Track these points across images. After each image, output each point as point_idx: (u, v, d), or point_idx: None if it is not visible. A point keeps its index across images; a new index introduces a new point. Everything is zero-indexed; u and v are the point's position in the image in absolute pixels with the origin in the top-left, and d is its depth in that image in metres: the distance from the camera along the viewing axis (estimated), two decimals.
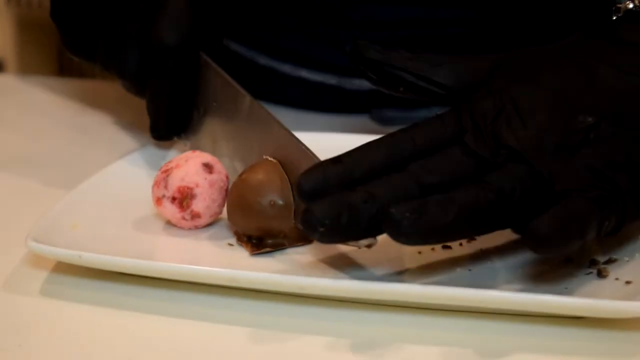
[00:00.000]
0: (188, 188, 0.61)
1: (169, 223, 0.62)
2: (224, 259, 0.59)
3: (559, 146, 0.54)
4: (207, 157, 0.62)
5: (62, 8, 0.74)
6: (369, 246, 0.54)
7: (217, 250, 0.60)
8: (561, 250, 0.51)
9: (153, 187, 0.62)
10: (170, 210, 0.61)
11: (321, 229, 0.51)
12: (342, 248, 0.58)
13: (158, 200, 0.61)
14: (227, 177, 0.62)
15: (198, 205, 0.61)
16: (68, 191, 0.64)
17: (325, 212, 0.51)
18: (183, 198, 0.61)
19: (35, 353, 0.51)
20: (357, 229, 0.52)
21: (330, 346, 0.52)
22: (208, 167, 0.61)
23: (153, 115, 0.71)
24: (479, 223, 0.52)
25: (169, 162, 0.62)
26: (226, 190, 0.62)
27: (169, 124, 0.70)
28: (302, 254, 0.59)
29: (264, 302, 0.55)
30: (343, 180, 0.53)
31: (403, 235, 0.50)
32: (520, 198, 0.52)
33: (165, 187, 0.61)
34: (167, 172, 0.61)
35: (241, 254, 0.59)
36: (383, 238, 0.52)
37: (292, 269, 0.57)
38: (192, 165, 0.61)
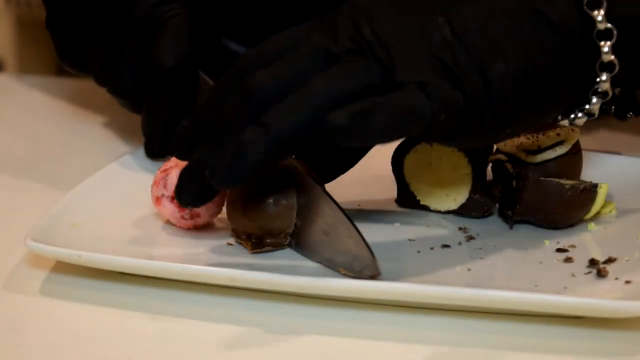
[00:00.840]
0: None
1: (168, 222, 0.62)
2: (223, 259, 0.59)
3: (413, 35, 0.52)
4: None
5: (58, 18, 0.73)
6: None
7: (217, 249, 0.60)
8: (361, 141, 0.51)
9: (152, 186, 0.62)
10: (170, 209, 0.61)
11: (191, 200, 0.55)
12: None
13: (157, 200, 0.61)
14: None
15: None
16: (67, 191, 0.64)
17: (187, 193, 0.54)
18: None
19: (34, 352, 0.51)
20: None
21: (329, 345, 0.52)
22: None
23: (149, 134, 0.71)
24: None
25: (168, 161, 0.62)
26: None
27: (164, 143, 0.70)
28: (301, 256, 0.59)
29: (264, 302, 0.55)
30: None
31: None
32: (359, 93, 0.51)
33: (165, 186, 0.61)
34: (166, 172, 0.61)
35: (241, 253, 0.59)
36: (383, 240, 0.52)
37: (292, 268, 0.57)
38: None
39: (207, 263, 0.58)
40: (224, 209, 0.61)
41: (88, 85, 0.99)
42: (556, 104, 0.55)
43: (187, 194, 0.55)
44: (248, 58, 0.55)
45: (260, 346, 0.52)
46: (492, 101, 0.52)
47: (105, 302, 0.56)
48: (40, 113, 0.87)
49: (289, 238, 0.58)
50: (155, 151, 0.71)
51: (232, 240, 0.60)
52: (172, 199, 0.61)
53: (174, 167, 0.61)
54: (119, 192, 0.65)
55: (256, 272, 0.54)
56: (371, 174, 0.59)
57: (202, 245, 0.60)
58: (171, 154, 0.60)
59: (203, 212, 0.61)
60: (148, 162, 0.70)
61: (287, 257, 0.59)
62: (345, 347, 0.52)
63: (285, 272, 0.56)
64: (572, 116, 0.56)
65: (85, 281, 0.57)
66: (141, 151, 0.71)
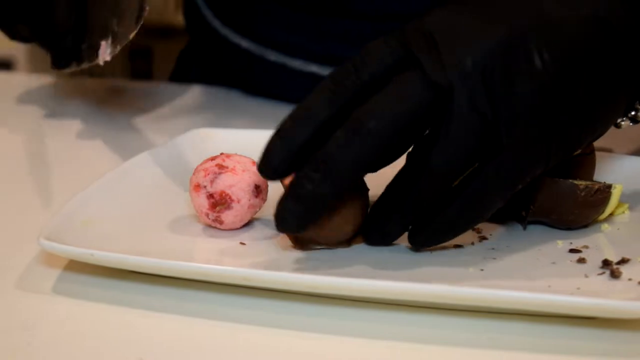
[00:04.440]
0: (230, 199, 0.60)
1: (180, 219, 0.62)
2: (236, 258, 0.59)
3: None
4: (261, 178, 0.61)
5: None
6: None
7: (230, 249, 0.60)
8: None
9: (199, 170, 0.61)
10: (201, 202, 0.61)
11: (298, 228, 0.55)
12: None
13: (196, 187, 0.61)
14: (264, 202, 0.62)
15: (228, 216, 0.61)
16: (80, 189, 0.64)
17: (296, 215, 0.54)
18: (219, 203, 0.60)
19: (47, 350, 0.52)
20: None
21: (341, 345, 0.52)
22: (257, 190, 0.61)
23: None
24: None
25: (227, 155, 0.62)
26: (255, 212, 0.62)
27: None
28: (315, 254, 0.59)
29: (277, 301, 0.55)
30: (297, 153, 0.54)
31: None
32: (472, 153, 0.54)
33: (211, 182, 0.61)
34: (220, 169, 0.61)
35: (254, 253, 0.59)
36: (397, 241, 0.52)
37: (305, 268, 0.57)
38: (246, 180, 0.61)
39: (220, 262, 0.58)
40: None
41: (100, 84, 0.99)
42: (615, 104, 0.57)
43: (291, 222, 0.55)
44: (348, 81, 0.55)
45: (273, 346, 0.52)
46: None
47: (118, 301, 0.56)
48: (51, 112, 0.88)
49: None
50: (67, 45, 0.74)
51: (245, 240, 0.60)
52: (210, 196, 0.60)
53: (231, 170, 0.61)
54: (130, 191, 0.65)
55: (269, 272, 0.54)
56: (385, 172, 0.59)
57: (216, 245, 0.60)
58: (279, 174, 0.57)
59: (228, 221, 0.61)
60: (160, 163, 0.70)
61: (300, 256, 0.58)
62: (357, 348, 0.52)
63: (299, 271, 0.56)
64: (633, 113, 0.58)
65: (97, 280, 0.57)
66: (153, 151, 0.71)
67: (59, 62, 0.75)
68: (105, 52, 0.74)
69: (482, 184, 0.55)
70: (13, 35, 0.79)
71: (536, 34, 0.54)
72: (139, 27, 0.73)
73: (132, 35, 0.74)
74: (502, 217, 0.62)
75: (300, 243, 0.59)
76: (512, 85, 0.53)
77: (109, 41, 0.74)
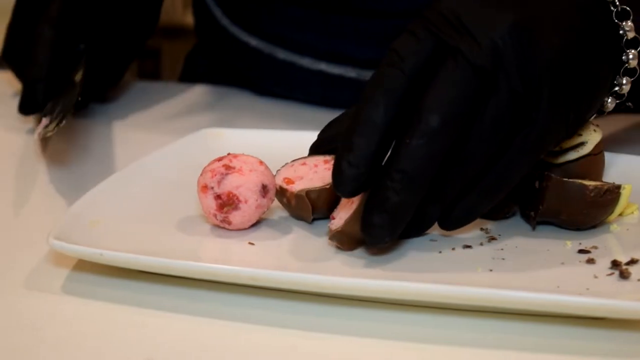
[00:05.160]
0: (237, 199, 0.60)
1: (188, 219, 0.62)
2: (245, 258, 0.59)
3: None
4: (268, 178, 0.61)
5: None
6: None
7: (239, 249, 0.60)
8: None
9: (206, 171, 0.61)
10: (209, 203, 0.61)
11: (390, 238, 0.55)
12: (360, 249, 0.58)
13: (204, 188, 0.61)
14: (272, 202, 0.62)
15: (236, 217, 0.61)
16: (89, 189, 0.64)
17: (386, 227, 0.55)
18: (227, 204, 0.60)
19: (56, 350, 0.52)
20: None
21: (351, 345, 0.52)
22: (264, 190, 0.61)
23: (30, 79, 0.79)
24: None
25: (234, 155, 0.62)
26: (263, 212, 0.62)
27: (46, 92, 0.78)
28: (324, 254, 0.59)
29: (284, 301, 0.55)
30: (370, 167, 0.54)
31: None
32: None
33: (218, 183, 0.61)
34: (227, 169, 0.61)
35: (262, 253, 0.59)
36: (405, 241, 0.52)
37: (313, 268, 0.57)
38: (253, 180, 0.61)
39: (229, 262, 0.58)
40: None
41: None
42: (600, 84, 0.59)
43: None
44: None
45: (281, 345, 0.52)
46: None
47: (126, 301, 0.56)
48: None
49: None
50: (38, 97, 0.77)
51: (253, 240, 0.60)
52: (218, 197, 0.60)
53: (237, 171, 0.61)
54: (140, 190, 0.66)
55: (277, 272, 0.54)
56: None
57: (224, 245, 0.60)
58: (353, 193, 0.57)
59: (236, 221, 0.61)
60: (168, 163, 0.70)
61: (308, 256, 0.59)
62: (364, 347, 0.52)
63: (307, 271, 0.56)
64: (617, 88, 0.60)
65: (106, 279, 0.57)
66: (161, 151, 0.71)
67: (25, 108, 0.79)
68: (40, 129, 0.73)
69: (517, 153, 0.56)
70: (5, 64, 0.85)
71: (543, 17, 0.56)
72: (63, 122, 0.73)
73: (61, 125, 0.72)
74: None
75: (350, 244, 0.58)
76: (535, 61, 0.55)
77: (47, 120, 0.75)
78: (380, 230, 0.54)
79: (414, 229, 0.58)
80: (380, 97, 0.54)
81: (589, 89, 0.58)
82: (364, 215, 0.55)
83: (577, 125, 0.59)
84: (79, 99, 0.74)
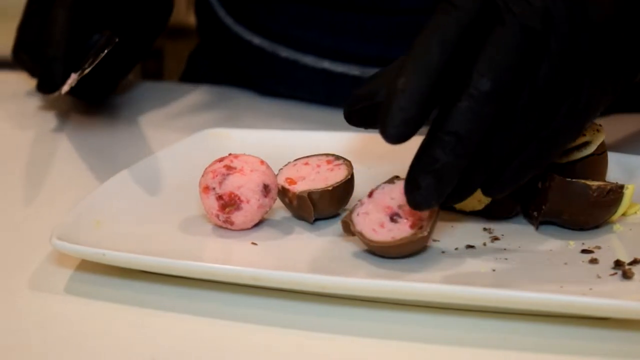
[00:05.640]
0: (239, 199, 0.60)
1: (191, 219, 0.62)
2: (247, 258, 0.59)
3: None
4: (270, 178, 0.61)
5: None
6: None
7: (241, 249, 0.60)
8: None
9: (207, 173, 0.61)
10: (211, 204, 0.61)
11: (437, 201, 0.53)
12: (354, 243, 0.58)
13: (205, 189, 0.61)
14: (274, 201, 0.62)
15: (238, 217, 0.61)
16: (92, 189, 0.64)
17: (433, 189, 0.53)
18: (229, 204, 0.60)
19: (59, 350, 0.52)
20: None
21: (353, 345, 0.52)
22: (266, 190, 0.61)
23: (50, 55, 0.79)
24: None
25: (235, 155, 0.62)
26: (266, 212, 0.62)
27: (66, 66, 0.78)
28: (325, 254, 0.59)
29: (286, 301, 0.55)
30: (420, 109, 0.53)
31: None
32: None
33: (220, 183, 0.61)
34: (228, 170, 0.61)
35: (265, 253, 0.59)
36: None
37: (317, 268, 0.57)
38: (254, 180, 0.61)
39: (231, 262, 0.58)
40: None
41: None
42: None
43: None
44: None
45: (283, 345, 0.52)
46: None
47: (129, 301, 0.56)
48: (63, 111, 0.88)
49: None
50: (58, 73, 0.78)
51: (256, 240, 0.60)
52: (220, 198, 0.61)
53: (239, 171, 0.61)
54: (143, 191, 0.66)
55: (280, 272, 0.54)
56: (396, 173, 0.59)
57: (227, 245, 0.60)
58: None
59: (238, 222, 0.61)
60: (172, 163, 0.70)
61: (311, 257, 0.59)
62: (367, 348, 0.52)
63: (309, 271, 0.56)
64: None
65: (109, 280, 0.57)
66: (165, 151, 0.71)
67: (43, 87, 0.79)
68: (69, 84, 0.77)
69: (566, 117, 0.55)
70: (17, 60, 0.85)
71: None
72: (94, 65, 0.78)
73: (87, 71, 0.77)
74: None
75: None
76: (587, 22, 0.54)
77: (77, 74, 0.77)
78: (427, 193, 0.53)
79: (456, 194, 0.56)
80: (434, 41, 0.53)
81: (638, 51, 0.57)
82: (408, 178, 0.53)
83: (624, 89, 0.57)
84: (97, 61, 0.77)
